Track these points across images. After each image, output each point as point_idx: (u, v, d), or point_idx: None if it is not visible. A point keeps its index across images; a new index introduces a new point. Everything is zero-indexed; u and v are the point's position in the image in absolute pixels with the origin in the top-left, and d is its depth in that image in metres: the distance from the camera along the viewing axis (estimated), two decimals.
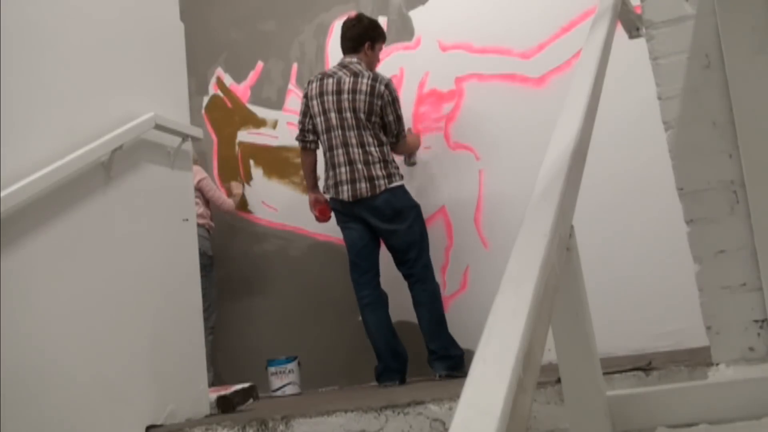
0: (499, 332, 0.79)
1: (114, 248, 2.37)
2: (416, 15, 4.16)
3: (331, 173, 3.44)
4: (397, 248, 3.42)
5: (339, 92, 3.42)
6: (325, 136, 3.46)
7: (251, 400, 2.81)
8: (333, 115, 3.42)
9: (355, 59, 3.53)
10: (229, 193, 4.42)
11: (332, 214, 3.59)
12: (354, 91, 3.41)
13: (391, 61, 4.14)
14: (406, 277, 3.43)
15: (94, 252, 2.30)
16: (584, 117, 1.32)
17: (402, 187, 3.44)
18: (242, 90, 4.59)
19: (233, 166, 4.55)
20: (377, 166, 3.37)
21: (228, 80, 4.64)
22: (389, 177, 3.38)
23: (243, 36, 4.63)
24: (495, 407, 0.66)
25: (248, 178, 4.51)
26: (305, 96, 3.54)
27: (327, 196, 3.54)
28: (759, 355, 1.63)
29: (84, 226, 2.29)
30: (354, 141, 3.39)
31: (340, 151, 3.40)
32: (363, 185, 3.35)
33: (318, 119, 3.47)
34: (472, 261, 3.83)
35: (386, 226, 3.39)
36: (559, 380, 1.46)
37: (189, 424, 2.30)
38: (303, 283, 4.26)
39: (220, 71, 4.66)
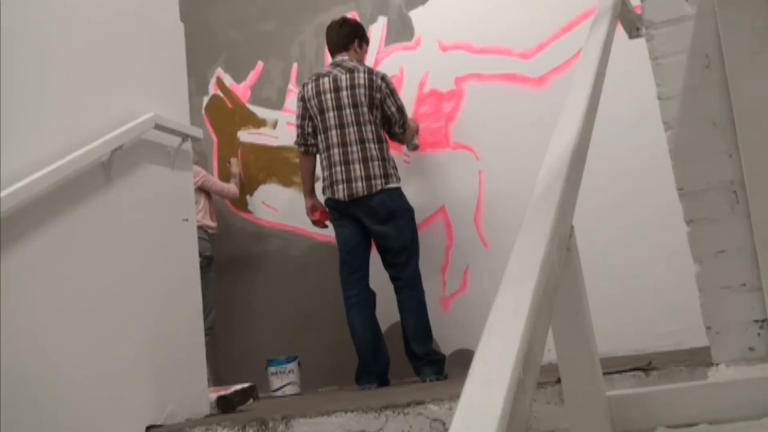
0: (499, 332, 0.79)
1: (114, 248, 2.37)
2: (416, 15, 4.17)
3: (327, 173, 3.42)
4: (388, 251, 3.40)
5: (337, 90, 3.40)
6: (322, 135, 3.43)
7: (251, 400, 2.81)
8: (332, 114, 3.39)
9: (346, 57, 3.53)
10: (229, 173, 4.43)
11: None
12: (352, 86, 3.39)
13: (391, 61, 4.15)
14: (394, 279, 3.41)
15: (94, 252, 2.30)
16: (584, 117, 1.32)
17: (398, 189, 3.42)
18: (242, 90, 4.59)
19: None
20: (375, 164, 3.34)
21: (228, 80, 4.64)
22: (386, 177, 3.36)
23: (243, 36, 4.63)
24: (495, 407, 0.66)
25: (249, 178, 4.51)
26: (301, 99, 3.51)
27: (324, 197, 3.50)
28: (759, 355, 1.63)
29: (84, 226, 2.28)
30: (353, 138, 3.36)
31: (337, 150, 3.37)
32: (359, 184, 3.33)
33: (316, 120, 3.45)
34: (472, 261, 3.83)
35: (379, 227, 3.37)
36: (559, 380, 1.46)
37: (189, 424, 2.30)
38: (303, 283, 4.26)
39: (220, 71, 4.67)
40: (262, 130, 4.52)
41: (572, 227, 1.23)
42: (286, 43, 4.49)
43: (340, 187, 3.36)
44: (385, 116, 3.44)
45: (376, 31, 4.22)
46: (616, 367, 1.87)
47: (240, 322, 4.33)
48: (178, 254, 2.63)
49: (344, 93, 3.39)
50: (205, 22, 4.63)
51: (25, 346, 2.03)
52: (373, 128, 3.38)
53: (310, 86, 3.48)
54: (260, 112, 4.53)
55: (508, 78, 3.87)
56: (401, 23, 4.18)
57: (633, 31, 2.17)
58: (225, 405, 2.64)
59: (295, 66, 4.46)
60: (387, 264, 3.43)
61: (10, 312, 1.99)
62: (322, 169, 3.46)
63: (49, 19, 2.32)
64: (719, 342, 1.67)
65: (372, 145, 3.36)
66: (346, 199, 3.36)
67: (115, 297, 2.33)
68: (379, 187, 3.33)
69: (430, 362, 3.31)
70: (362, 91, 3.37)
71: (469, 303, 3.76)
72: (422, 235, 3.62)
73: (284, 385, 3.85)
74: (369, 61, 4.08)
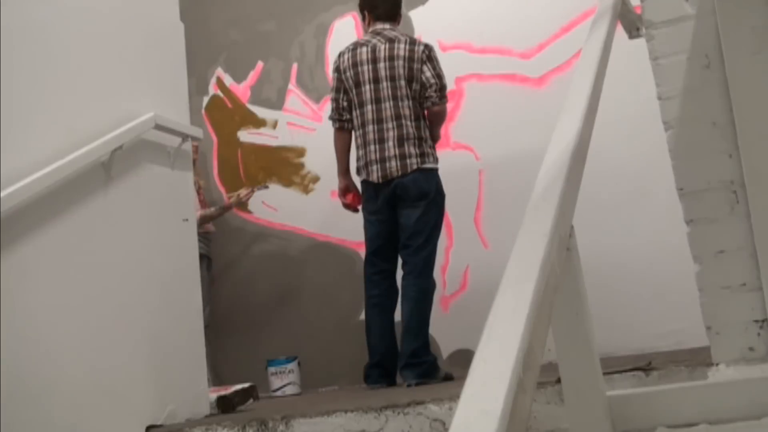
0: (499, 332, 0.79)
1: (114, 248, 2.36)
2: (416, 15, 4.17)
3: (361, 153, 3.21)
4: (406, 230, 3.17)
5: (374, 60, 3.18)
6: (357, 111, 3.22)
7: (251, 400, 2.81)
8: (368, 87, 3.18)
9: (388, 26, 3.31)
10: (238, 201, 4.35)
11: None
12: (391, 57, 3.17)
13: None
14: (403, 264, 3.20)
15: (93, 252, 2.30)
16: (584, 117, 1.32)
17: (434, 171, 3.21)
18: (242, 90, 4.59)
19: (233, 165, 4.55)
20: (410, 143, 3.13)
21: (228, 80, 4.64)
22: (422, 156, 3.14)
23: (243, 36, 4.63)
24: (495, 407, 0.66)
25: (248, 178, 4.51)
26: (336, 69, 3.29)
27: (359, 179, 3.29)
28: (759, 355, 1.63)
29: (84, 226, 2.28)
30: (389, 113, 3.14)
31: (372, 128, 3.16)
32: (393, 164, 3.12)
33: (352, 93, 3.23)
34: (472, 261, 3.83)
35: (408, 210, 3.15)
36: (559, 380, 1.46)
37: (189, 424, 2.30)
38: (303, 283, 4.26)
39: (220, 71, 4.67)
40: (262, 130, 4.52)
41: (572, 227, 1.23)
42: (286, 43, 4.49)
43: (374, 167, 3.15)
44: (420, 82, 3.16)
45: None
46: (616, 367, 1.87)
47: (240, 322, 4.33)
48: (178, 254, 2.63)
49: (382, 65, 3.17)
50: (205, 22, 4.63)
51: (25, 346, 2.03)
52: (411, 104, 3.15)
53: (346, 56, 3.26)
54: (260, 112, 4.53)
55: (508, 78, 3.87)
56: (401, 23, 4.17)
57: (633, 31, 2.18)
58: (225, 405, 2.64)
59: (295, 66, 4.46)
60: (401, 245, 3.20)
61: (10, 312, 1.99)
62: (357, 148, 3.27)
63: (48, 19, 2.32)
64: (719, 342, 1.67)
65: (408, 122, 3.14)
66: (380, 180, 3.15)
67: (115, 297, 2.33)
68: (414, 166, 3.12)
69: (411, 365, 3.04)
70: (401, 63, 3.15)
71: (469, 303, 3.76)
72: None
73: (284, 385, 3.85)
74: None
